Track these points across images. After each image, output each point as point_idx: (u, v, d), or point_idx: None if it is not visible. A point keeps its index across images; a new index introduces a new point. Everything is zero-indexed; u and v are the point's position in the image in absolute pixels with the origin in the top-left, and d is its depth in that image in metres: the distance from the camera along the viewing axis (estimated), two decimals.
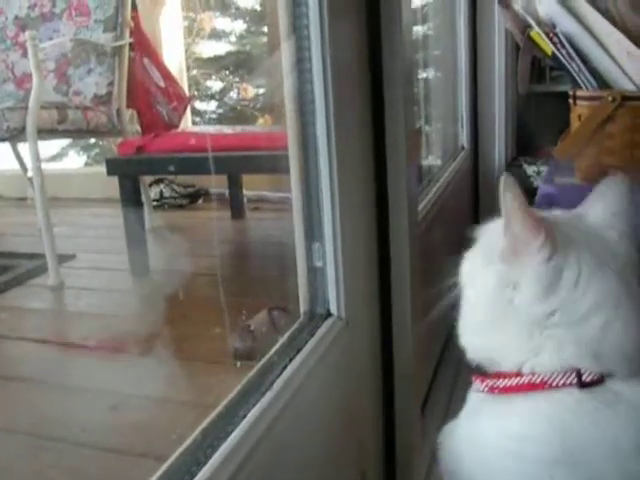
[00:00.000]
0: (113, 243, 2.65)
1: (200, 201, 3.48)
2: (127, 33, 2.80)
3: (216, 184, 3.40)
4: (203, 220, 3.37)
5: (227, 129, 2.89)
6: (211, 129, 3.28)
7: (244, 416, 0.76)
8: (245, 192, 3.24)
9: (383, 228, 1.17)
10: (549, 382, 0.72)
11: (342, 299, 1.02)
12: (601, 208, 0.83)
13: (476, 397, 0.79)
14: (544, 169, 2.36)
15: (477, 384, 0.79)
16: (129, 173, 2.51)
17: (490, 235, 0.80)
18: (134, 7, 2.91)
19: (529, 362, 0.74)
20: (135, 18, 2.89)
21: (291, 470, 0.83)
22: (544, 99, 2.64)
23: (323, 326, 0.99)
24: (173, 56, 3.81)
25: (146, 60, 2.98)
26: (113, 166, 2.48)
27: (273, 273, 1.78)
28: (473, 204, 2.51)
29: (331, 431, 0.97)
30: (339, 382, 1.00)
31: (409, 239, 1.19)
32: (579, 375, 0.71)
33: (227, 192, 3.24)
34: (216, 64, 4.80)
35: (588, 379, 0.71)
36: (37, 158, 2.42)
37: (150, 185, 3.41)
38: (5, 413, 1.62)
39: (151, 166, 2.58)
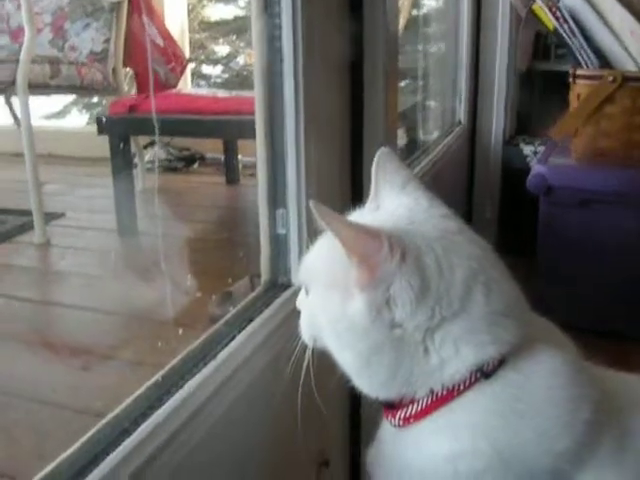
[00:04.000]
0: (104, 203, 2.61)
1: (195, 165, 3.44)
2: None
3: (212, 149, 3.35)
4: (197, 184, 3.33)
5: (224, 93, 2.83)
6: (206, 92, 3.22)
7: (181, 386, 0.73)
8: (241, 158, 3.20)
9: (358, 197, 1.14)
10: (455, 389, 0.68)
11: None
12: (391, 190, 0.77)
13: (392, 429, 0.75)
14: (541, 149, 2.31)
15: (390, 420, 0.74)
16: (120, 133, 2.47)
17: (322, 266, 0.73)
18: None
19: (438, 381, 0.69)
20: None
21: (233, 447, 0.80)
22: (548, 78, 2.58)
23: (282, 296, 0.96)
24: (175, 17, 3.74)
25: (145, 18, 2.91)
26: (103, 125, 2.43)
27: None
28: (467, 180, 2.46)
29: (285, 406, 0.94)
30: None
31: None
32: (481, 368, 0.68)
33: (223, 157, 3.20)
34: (223, 28, 4.73)
35: (490, 368, 0.68)
36: (27, 112, 2.38)
37: (145, 147, 3.35)
38: None
39: (142, 126, 2.53)
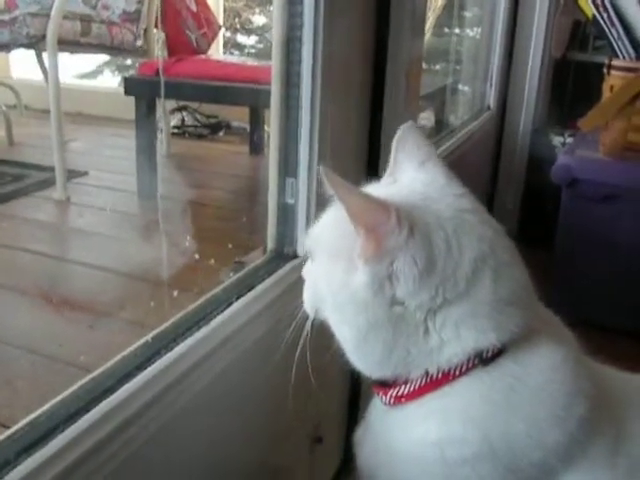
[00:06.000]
0: (128, 164, 2.60)
1: (221, 133, 3.43)
2: None
3: (239, 118, 3.33)
4: (221, 152, 3.32)
5: (253, 61, 2.81)
6: (236, 59, 3.19)
7: (171, 348, 0.72)
8: (267, 129, 3.18)
9: (374, 172, 1.11)
10: (451, 373, 0.67)
11: None
12: (409, 164, 0.75)
13: (382, 407, 0.74)
14: (571, 141, 2.26)
15: (381, 397, 0.73)
16: (146, 94, 2.46)
17: (328, 236, 0.71)
18: None
19: (435, 363, 0.67)
20: None
21: (220, 416, 0.79)
22: (583, 69, 2.53)
23: (286, 266, 0.94)
24: None
25: None
26: (130, 85, 2.42)
27: None
28: (492, 167, 2.42)
29: (279, 380, 0.92)
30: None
31: None
32: (480, 355, 0.66)
33: (248, 127, 3.18)
34: None
35: (489, 355, 0.66)
36: (55, 68, 2.38)
37: (173, 112, 3.36)
38: None
39: (169, 90, 2.52)
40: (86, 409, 0.63)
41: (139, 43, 2.73)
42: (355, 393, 1.15)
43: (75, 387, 0.66)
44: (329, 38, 0.90)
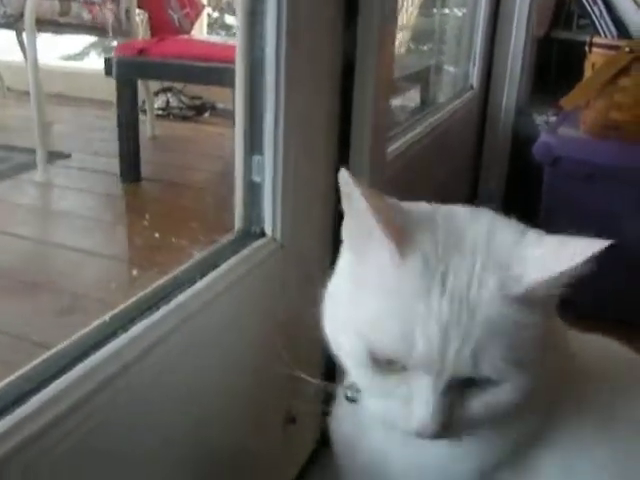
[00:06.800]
0: (111, 146, 2.58)
1: (206, 114, 3.40)
2: None
3: (224, 99, 3.31)
4: (206, 134, 3.29)
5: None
6: (219, 39, 3.16)
7: (128, 328, 0.71)
8: None
9: (345, 147, 1.10)
10: None
11: (279, 219, 0.96)
12: None
13: None
14: (554, 120, 2.25)
15: None
16: (127, 75, 2.43)
17: None
18: None
19: None
20: None
21: (182, 398, 0.78)
22: (567, 47, 2.50)
23: (251, 246, 0.93)
24: None
25: None
26: (110, 66, 2.39)
27: None
28: (476, 148, 2.41)
29: (246, 359, 0.91)
30: (264, 308, 0.94)
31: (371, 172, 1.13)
32: None
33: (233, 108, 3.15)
34: None
35: None
36: (33, 48, 2.35)
37: (157, 93, 3.33)
38: None
39: (150, 70, 2.49)
40: (41, 387, 0.62)
41: (121, 23, 2.69)
42: (330, 370, 1.14)
43: (30, 365, 0.65)
44: (294, 10, 0.88)
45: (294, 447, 1.13)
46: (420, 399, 0.58)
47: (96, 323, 0.72)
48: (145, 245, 1.98)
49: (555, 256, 0.59)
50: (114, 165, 2.52)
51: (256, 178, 0.95)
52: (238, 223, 0.98)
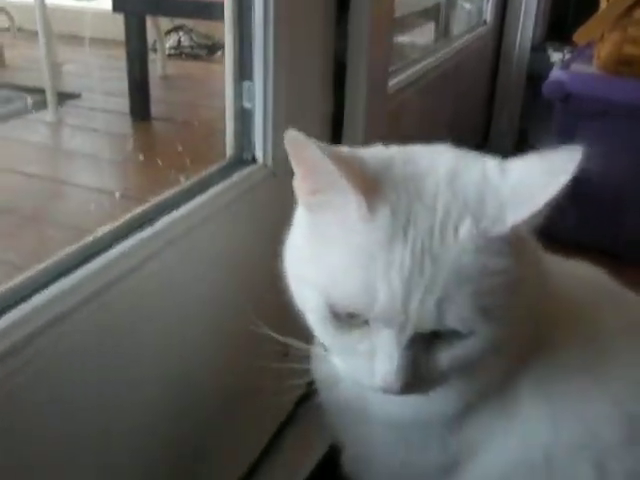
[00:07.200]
0: (122, 86, 2.57)
1: (218, 53, 3.36)
2: None
3: None
4: (217, 73, 3.25)
5: None
6: None
7: (109, 250, 0.71)
8: None
9: (341, 71, 1.08)
10: None
11: (270, 146, 0.95)
12: None
13: None
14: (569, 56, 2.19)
15: None
16: (134, 11, 2.40)
17: None
18: None
19: None
20: None
21: (160, 325, 0.78)
22: None
23: (243, 171, 0.93)
24: None
25: None
26: (119, 1, 2.36)
27: None
28: (489, 85, 2.36)
29: (232, 286, 0.91)
30: (253, 236, 0.93)
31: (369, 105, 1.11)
32: None
33: None
34: None
35: None
36: None
37: (168, 32, 3.29)
38: None
39: (159, 5, 2.46)
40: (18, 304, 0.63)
41: None
42: None
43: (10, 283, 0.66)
44: None
45: (287, 383, 1.12)
46: (383, 354, 0.56)
47: (75, 246, 0.72)
48: (154, 182, 1.98)
49: (535, 183, 0.55)
50: (124, 104, 2.52)
51: (247, 104, 0.94)
52: (229, 150, 0.97)
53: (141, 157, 2.26)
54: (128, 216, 0.78)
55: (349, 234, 0.56)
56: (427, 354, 0.57)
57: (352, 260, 0.55)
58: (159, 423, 0.80)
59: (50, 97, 2.44)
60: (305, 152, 0.56)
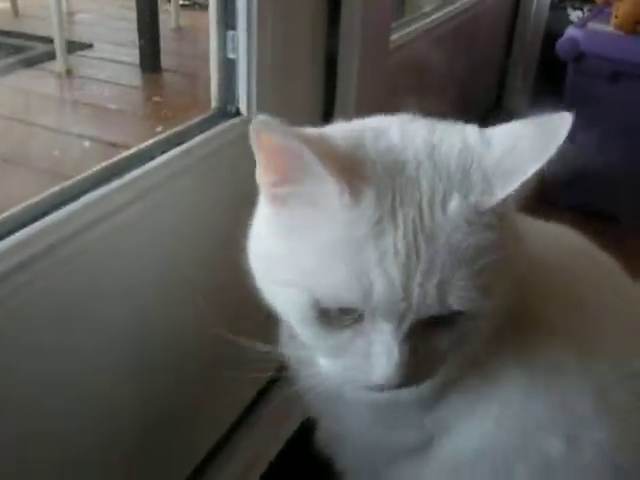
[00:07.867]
0: (134, 37, 2.54)
1: None
2: None
3: None
4: None
5: None
6: None
7: (76, 199, 0.70)
8: None
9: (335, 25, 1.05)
10: None
11: (254, 98, 0.92)
12: None
13: None
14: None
15: None
16: None
17: None
18: None
19: None
20: None
21: (127, 280, 0.77)
22: None
23: (224, 124, 0.90)
24: None
25: None
26: None
27: None
28: (506, 42, 2.30)
29: (205, 236, 0.89)
30: (234, 187, 0.91)
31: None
32: None
33: None
34: None
35: None
36: None
37: None
38: None
39: None
40: None
41: None
42: None
43: None
44: None
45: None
46: (381, 350, 0.52)
47: (47, 192, 0.71)
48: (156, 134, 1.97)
49: (524, 151, 0.52)
50: (135, 55, 2.50)
51: (231, 55, 0.91)
52: (214, 102, 0.95)
53: (146, 110, 2.25)
54: (103, 164, 0.76)
55: (330, 224, 0.52)
56: (425, 341, 0.54)
57: (337, 253, 0.51)
58: (128, 384, 0.80)
59: (59, 46, 2.42)
60: (273, 138, 0.51)
